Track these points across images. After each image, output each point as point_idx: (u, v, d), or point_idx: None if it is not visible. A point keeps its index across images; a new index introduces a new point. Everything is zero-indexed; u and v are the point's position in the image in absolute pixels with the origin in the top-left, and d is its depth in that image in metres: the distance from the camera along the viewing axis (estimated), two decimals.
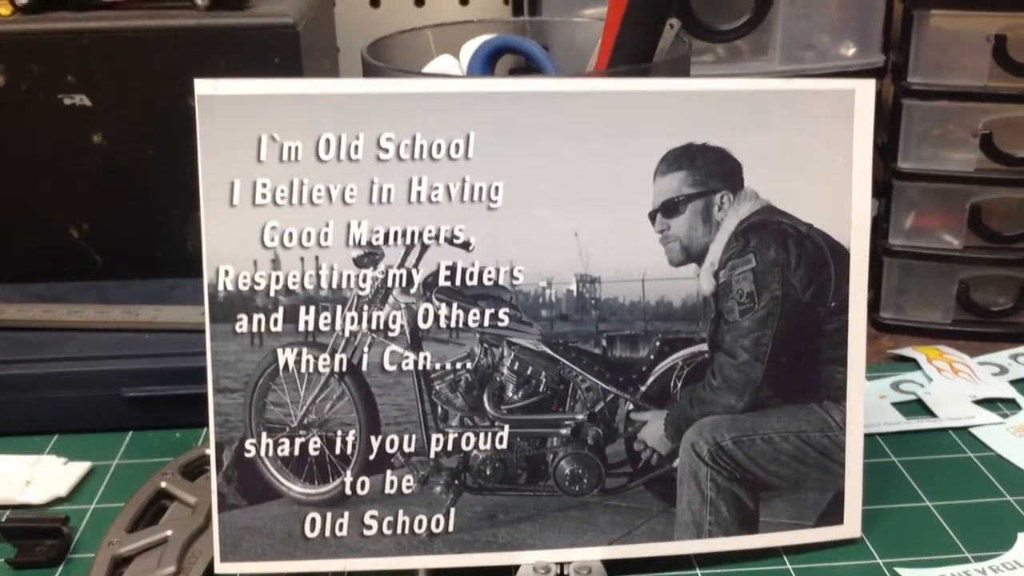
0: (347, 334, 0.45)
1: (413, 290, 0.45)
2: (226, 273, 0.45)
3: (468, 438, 0.46)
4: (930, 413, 0.60)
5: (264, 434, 0.46)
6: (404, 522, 0.46)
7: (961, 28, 0.66)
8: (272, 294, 0.45)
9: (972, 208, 0.68)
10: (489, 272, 0.45)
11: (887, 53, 0.71)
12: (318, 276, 0.45)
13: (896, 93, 0.68)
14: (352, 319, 0.45)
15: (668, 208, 0.46)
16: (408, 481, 0.46)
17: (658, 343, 0.47)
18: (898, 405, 0.61)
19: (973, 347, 0.67)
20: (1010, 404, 0.61)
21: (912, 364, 0.66)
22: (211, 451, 0.45)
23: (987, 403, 0.60)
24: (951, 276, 0.70)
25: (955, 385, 0.62)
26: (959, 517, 0.50)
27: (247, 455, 0.46)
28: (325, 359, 0.45)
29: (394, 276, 0.45)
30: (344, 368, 0.46)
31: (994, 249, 0.69)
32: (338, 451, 0.46)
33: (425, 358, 0.46)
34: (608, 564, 0.46)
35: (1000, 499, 0.52)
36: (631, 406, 0.47)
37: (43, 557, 0.48)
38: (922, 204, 0.70)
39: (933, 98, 0.67)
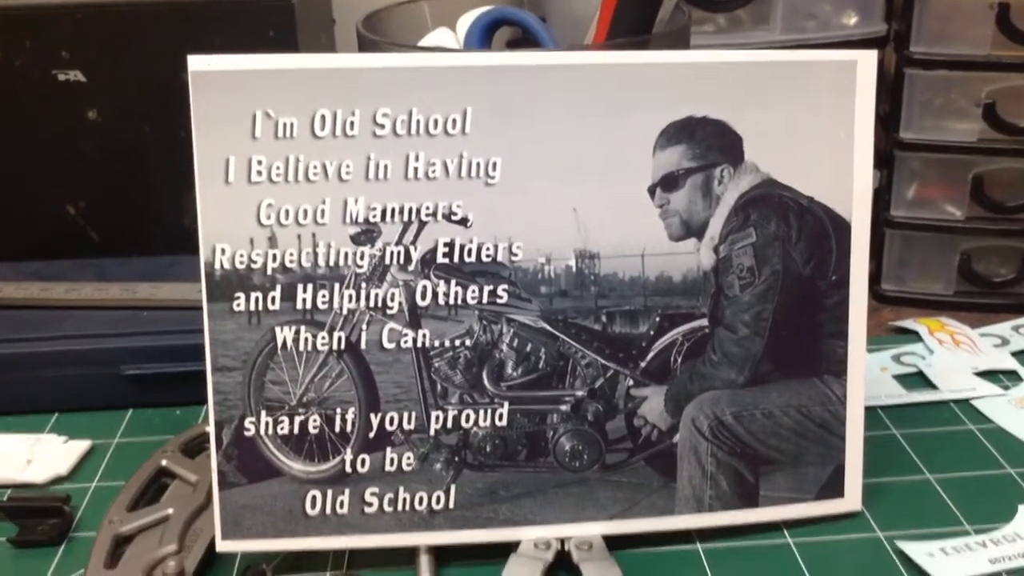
0: (345, 312, 0.45)
1: (411, 267, 0.45)
2: (222, 252, 0.44)
3: (468, 415, 0.46)
4: (931, 385, 0.60)
5: (263, 412, 0.46)
6: (405, 499, 0.46)
7: None
8: (269, 272, 0.45)
9: (974, 178, 0.68)
10: (487, 248, 0.45)
11: (889, 22, 0.70)
12: (315, 254, 0.45)
13: (898, 62, 0.67)
14: (350, 297, 0.45)
15: (668, 182, 0.45)
16: (408, 458, 0.46)
17: (658, 318, 0.46)
18: (899, 378, 0.61)
19: (975, 318, 0.67)
20: (1011, 376, 0.60)
21: (913, 336, 0.65)
22: (211, 430, 0.45)
23: (988, 375, 0.60)
24: (953, 247, 0.70)
25: (956, 357, 0.62)
26: (960, 489, 0.50)
27: (247, 433, 0.46)
28: (323, 337, 0.45)
29: (392, 253, 0.45)
30: (343, 346, 0.45)
31: (996, 220, 0.68)
32: (338, 429, 0.46)
33: (424, 335, 0.46)
34: (609, 539, 0.46)
35: (1001, 471, 0.52)
36: (631, 382, 0.47)
37: (45, 536, 0.48)
38: (924, 175, 0.69)
39: (935, 67, 0.66)
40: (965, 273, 0.69)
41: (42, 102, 0.65)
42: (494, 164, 0.45)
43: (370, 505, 0.46)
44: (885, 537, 0.47)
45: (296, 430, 0.46)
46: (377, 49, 0.52)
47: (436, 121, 0.44)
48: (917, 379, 0.61)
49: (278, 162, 0.44)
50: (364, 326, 0.45)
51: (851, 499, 0.49)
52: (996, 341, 0.64)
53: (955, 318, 0.67)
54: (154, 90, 0.64)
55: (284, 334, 0.45)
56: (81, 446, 0.55)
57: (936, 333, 0.65)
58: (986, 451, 0.54)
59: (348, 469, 0.46)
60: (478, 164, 0.45)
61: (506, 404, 0.46)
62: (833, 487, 0.48)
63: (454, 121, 0.44)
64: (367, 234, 0.45)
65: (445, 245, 0.45)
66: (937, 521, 0.48)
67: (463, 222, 0.45)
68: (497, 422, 0.46)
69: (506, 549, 0.46)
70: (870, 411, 0.53)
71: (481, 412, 0.46)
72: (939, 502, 0.50)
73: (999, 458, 0.53)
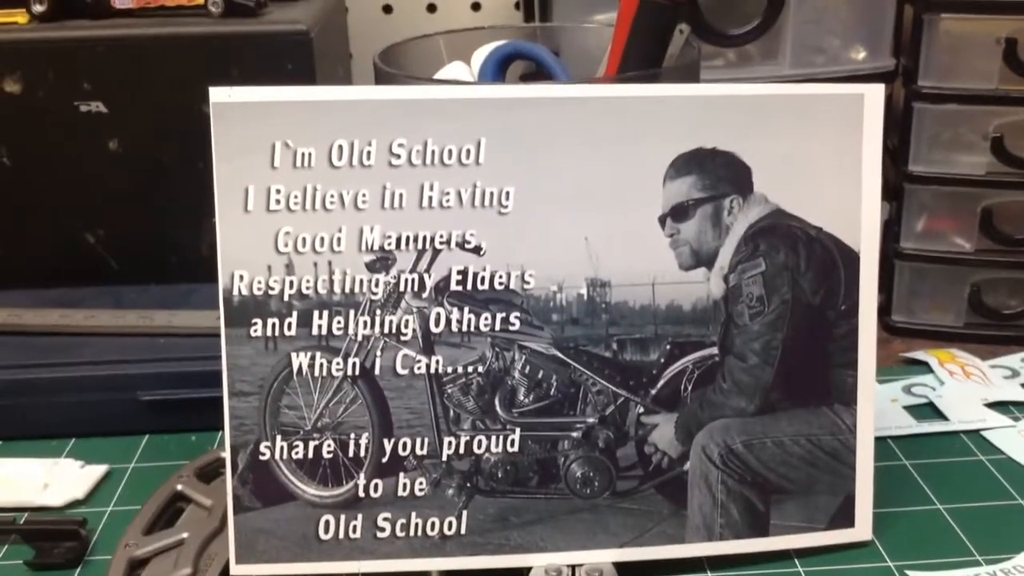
0: (360, 338, 0.46)
1: (425, 294, 0.46)
2: (241, 278, 0.45)
3: (480, 441, 0.47)
4: (941, 416, 0.60)
5: (279, 437, 0.46)
6: (417, 524, 0.46)
7: (971, 31, 0.66)
8: (286, 299, 0.45)
9: (983, 211, 0.68)
10: (500, 276, 0.46)
11: (897, 57, 0.71)
12: (331, 281, 0.45)
13: (907, 96, 0.68)
14: (365, 323, 0.46)
15: (678, 212, 0.46)
16: (421, 484, 0.46)
17: (668, 346, 0.47)
18: (909, 408, 0.61)
19: (985, 350, 0.67)
20: (1022, 407, 0.60)
21: (924, 367, 0.66)
22: (226, 454, 0.46)
23: (999, 406, 0.60)
24: (963, 279, 0.70)
25: (967, 388, 0.62)
26: (970, 520, 0.50)
27: (262, 458, 0.46)
28: (338, 363, 0.46)
29: (406, 281, 0.46)
30: (357, 372, 0.46)
31: (1006, 252, 0.69)
32: (351, 454, 0.46)
33: (437, 362, 0.46)
34: (619, 566, 0.47)
35: (1012, 502, 0.52)
36: (641, 409, 0.47)
37: (61, 559, 0.49)
38: (933, 207, 0.70)
39: (944, 101, 0.67)
40: (975, 305, 0.70)
41: (64, 132, 0.66)
42: (507, 193, 0.45)
43: (383, 530, 0.46)
44: (895, 567, 0.47)
45: (311, 455, 0.46)
46: (394, 82, 0.53)
47: (451, 151, 0.45)
48: (927, 410, 0.61)
49: (296, 191, 0.45)
50: (378, 352, 0.46)
51: (862, 528, 0.49)
52: (1006, 373, 0.64)
53: (965, 350, 0.67)
54: (173, 121, 0.65)
55: (300, 360, 0.46)
56: (98, 470, 0.56)
57: (946, 364, 0.65)
58: (996, 482, 0.54)
59: (361, 494, 0.46)
60: (491, 193, 0.45)
61: (518, 431, 0.47)
62: (843, 516, 0.48)
63: (468, 151, 0.45)
64: (382, 262, 0.45)
65: (459, 273, 0.46)
66: (948, 551, 0.48)
67: (476, 250, 0.46)
68: (509, 448, 0.47)
69: (517, 575, 0.46)
70: (880, 441, 0.53)
71: (493, 438, 0.47)
72: (950, 532, 0.50)
73: (1010, 489, 0.53)
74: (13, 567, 0.49)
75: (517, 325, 0.46)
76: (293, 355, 0.46)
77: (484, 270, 0.46)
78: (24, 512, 0.53)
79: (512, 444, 0.47)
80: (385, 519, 0.46)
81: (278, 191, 0.45)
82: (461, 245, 0.46)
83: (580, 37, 0.64)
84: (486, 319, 0.46)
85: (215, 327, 0.45)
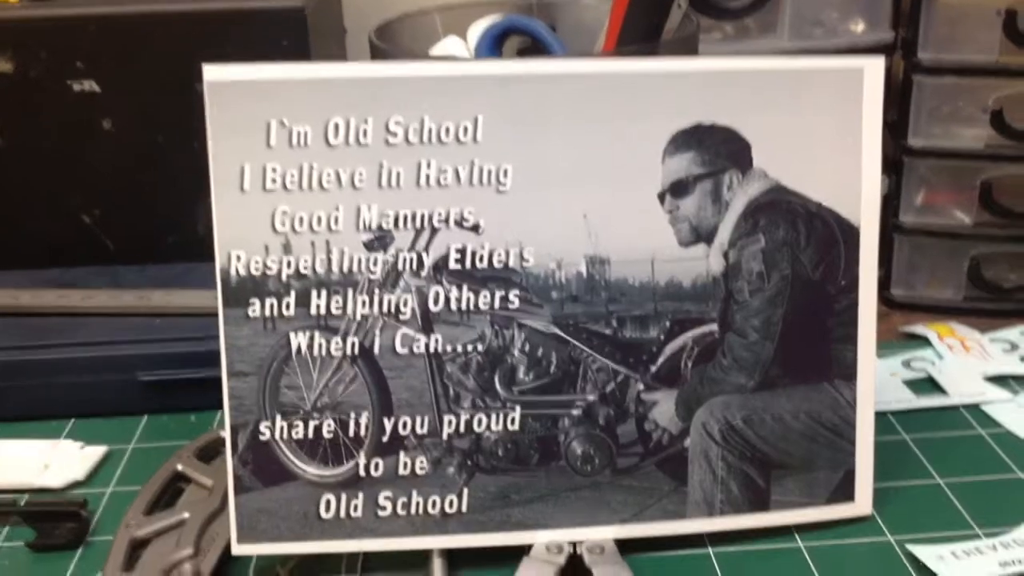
0: (359, 317, 0.46)
1: (423, 273, 0.46)
2: (238, 258, 0.45)
3: (480, 419, 0.47)
4: (941, 390, 0.60)
5: (278, 417, 0.46)
6: (418, 503, 0.46)
7: (971, 3, 0.65)
8: (284, 279, 0.45)
9: (983, 184, 0.68)
10: (499, 254, 0.46)
11: (896, 29, 0.70)
12: (329, 260, 0.45)
13: (906, 69, 0.68)
14: (363, 303, 0.46)
15: (677, 188, 0.46)
16: (421, 462, 0.46)
17: (668, 323, 0.47)
18: (909, 383, 0.61)
19: (984, 324, 0.67)
20: (1021, 381, 0.61)
21: (923, 341, 0.66)
22: (226, 434, 0.46)
23: (998, 380, 0.61)
24: (962, 253, 0.70)
25: (966, 362, 0.62)
26: (970, 494, 0.51)
27: (262, 438, 0.46)
28: (337, 342, 0.46)
29: (404, 259, 0.45)
30: (356, 351, 0.46)
31: (1005, 226, 0.68)
32: (351, 433, 0.46)
33: (436, 340, 0.46)
34: (620, 543, 0.47)
35: (1011, 476, 0.52)
36: (642, 386, 0.47)
37: (62, 540, 0.49)
38: (933, 181, 0.70)
39: (943, 74, 0.66)
40: (974, 279, 0.70)
41: (57, 112, 0.66)
42: (505, 171, 0.45)
43: (384, 509, 0.46)
44: (896, 541, 0.48)
45: (311, 434, 0.46)
46: (389, 58, 0.53)
47: (448, 129, 0.45)
48: (927, 384, 0.61)
49: (292, 170, 0.44)
50: (377, 331, 0.46)
51: (862, 503, 0.49)
52: (1006, 346, 0.64)
53: (965, 323, 0.67)
54: (168, 99, 0.64)
55: (298, 340, 0.46)
56: (97, 451, 0.56)
57: (946, 338, 0.65)
58: (996, 455, 0.54)
59: (362, 473, 0.46)
60: (489, 171, 0.45)
61: (518, 408, 0.47)
62: (844, 491, 0.48)
63: (465, 129, 0.45)
64: (380, 241, 0.45)
65: (457, 251, 0.45)
66: (947, 525, 0.49)
67: (475, 228, 0.45)
68: (509, 426, 0.47)
69: (518, 552, 0.46)
70: (880, 416, 0.53)
71: (493, 416, 0.47)
72: (949, 506, 0.50)
73: (1009, 462, 0.53)
74: (14, 549, 0.49)
75: (516, 303, 0.46)
76: (292, 335, 0.46)
77: (483, 248, 0.45)
78: (24, 493, 0.53)
79: (512, 422, 0.47)
80: (386, 498, 0.46)
81: (274, 170, 0.44)
82: (459, 223, 0.45)
83: (577, 11, 0.64)
84: (485, 297, 0.46)
85: (213, 307, 0.45)
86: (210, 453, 0.53)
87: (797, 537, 0.48)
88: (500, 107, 0.45)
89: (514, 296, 0.46)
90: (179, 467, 0.52)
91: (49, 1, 0.66)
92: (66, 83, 0.65)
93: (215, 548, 0.47)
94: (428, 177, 0.45)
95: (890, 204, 0.70)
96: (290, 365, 0.46)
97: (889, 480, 0.51)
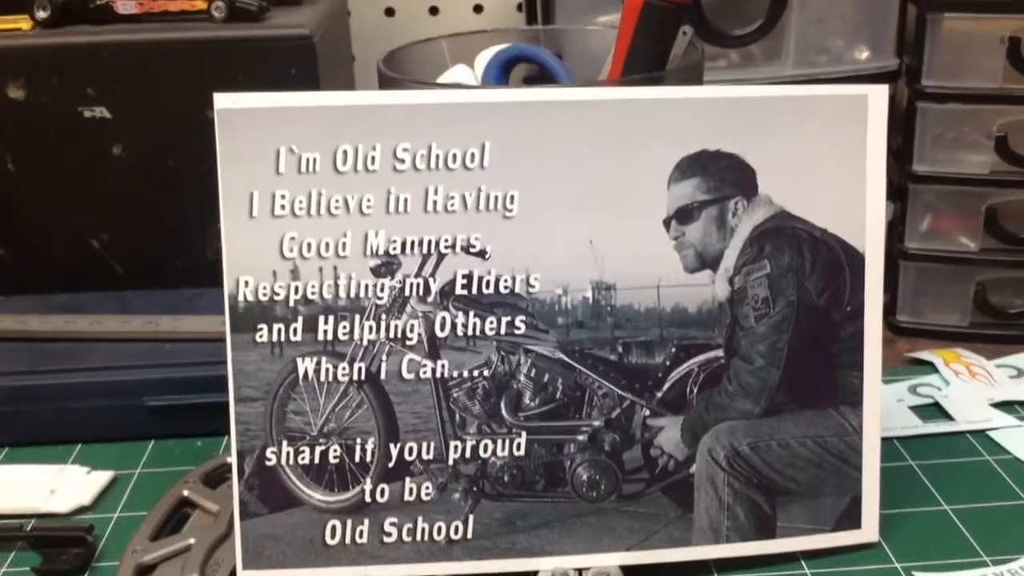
0: (365, 343, 0.46)
1: (430, 299, 0.46)
2: (246, 284, 0.45)
3: (486, 445, 0.47)
4: (947, 416, 0.60)
5: (285, 442, 0.46)
6: (423, 529, 0.46)
7: (975, 30, 0.66)
8: (291, 304, 0.45)
9: (988, 210, 0.68)
10: (505, 280, 0.46)
11: (901, 56, 0.71)
12: (336, 286, 0.45)
13: (910, 96, 0.68)
14: (370, 328, 0.46)
15: (682, 215, 0.46)
16: (427, 488, 0.46)
17: (674, 349, 0.47)
18: (915, 408, 0.61)
19: (990, 350, 0.67)
20: None
21: (929, 367, 0.65)
22: (232, 459, 0.46)
23: (1005, 406, 0.60)
24: (968, 279, 0.70)
25: (972, 388, 0.62)
26: (977, 520, 0.50)
27: (268, 463, 0.46)
28: (344, 368, 0.46)
29: (411, 285, 0.46)
30: (363, 377, 0.46)
31: (1010, 251, 0.68)
32: (357, 459, 0.46)
33: (443, 366, 0.46)
34: (626, 570, 0.47)
35: (1018, 502, 0.52)
36: (647, 412, 0.47)
37: (68, 565, 0.49)
38: (938, 207, 0.70)
39: (947, 101, 0.67)
40: (980, 304, 0.70)
41: (68, 138, 0.66)
42: (512, 197, 0.45)
43: (389, 535, 0.46)
44: (903, 568, 0.47)
45: (317, 460, 0.46)
46: (397, 86, 0.53)
47: (455, 155, 0.45)
48: (933, 410, 0.61)
49: (301, 196, 0.45)
50: (384, 357, 0.46)
51: (868, 530, 0.49)
52: (1012, 372, 0.64)
53: (971, 349, 0.67)
54: (178, 126, 0.65)
55: (306, 365, 0.46)
56: (104, 476, 0.56)
57: (952, 364, 0.65)
58: (1003, 482, 0.54)
59: (368, 499, 0.46)
60: (496, 197, 0.45)
61: (524, 434, 0.47)
62: (850, 518, 0.48)
63: (472, 155, 0.45)
64: (387, 266, 0.45)
65: (464, 277, 0.46)
66: (954, 552, 0.48)
67: (481, 254, 0.46)
68: (515, 452, 0.47)
69: None
70: (886, 442, 0.53)
71: (499, 442, 0.47)
72: (956, 533, 0.50)
73: (1016, 489, 0.53)
74: (20, 574, 0.49)
75: (522, 329, 0.46)
76: (299, 360, 0.46)
77: (489, 274, 0.46)
78: (31, 519, 0.53)
79: (518, 448, 0.47)
80: (392, 524, 0.46)
81: (283, 196, 0.45)
82: (466, 249, 0.46)
83: (583, 39, 0.64)
84: (491, 323, 0.46)
85: (221, 332, 0.45)
86: (216, 478, 0.53)
87: (803, 564, 0.48)
88: (507, 134, 0.45)
89: (520, 322, 0.46)
90: (185, 492, 0.52)
91: (61, 29, 0.66)
92: (77, 109, 0.66)
93: (221, 574, 0.47)
94: (435, 203, 0.45)
95: (895, 230, 0.70)
96: (297, 390, 0.46)
97: (896, 506, 0.51)
